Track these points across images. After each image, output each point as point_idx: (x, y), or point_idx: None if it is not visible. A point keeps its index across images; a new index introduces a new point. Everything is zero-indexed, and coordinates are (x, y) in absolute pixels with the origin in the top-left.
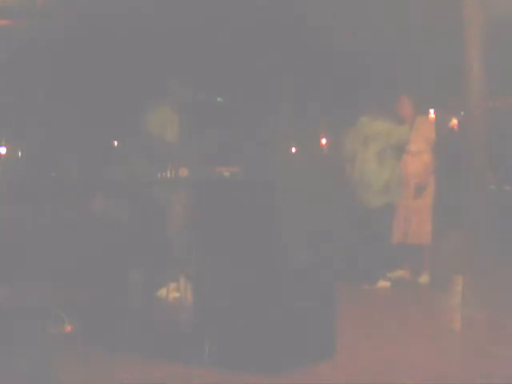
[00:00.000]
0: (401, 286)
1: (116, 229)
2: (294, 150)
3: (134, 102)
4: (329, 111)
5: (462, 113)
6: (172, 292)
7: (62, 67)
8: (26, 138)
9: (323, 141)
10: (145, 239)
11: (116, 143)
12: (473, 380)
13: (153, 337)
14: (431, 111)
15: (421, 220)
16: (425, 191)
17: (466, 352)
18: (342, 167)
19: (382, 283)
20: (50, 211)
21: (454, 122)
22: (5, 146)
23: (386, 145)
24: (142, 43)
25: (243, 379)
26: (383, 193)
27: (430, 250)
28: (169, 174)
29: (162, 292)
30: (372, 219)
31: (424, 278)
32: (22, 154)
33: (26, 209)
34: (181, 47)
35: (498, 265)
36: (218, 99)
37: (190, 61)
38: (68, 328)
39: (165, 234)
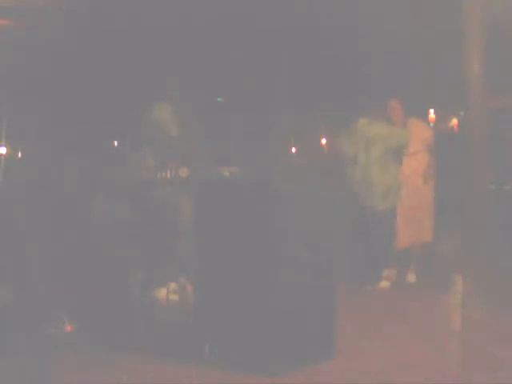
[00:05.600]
0: (401, 287)
1: (116, 229)
2: (293, 149)
3: (134, 101)
4: (329, 111)
5: (462, 113)
6: (172, 292)
7: (63, 67)
8: (26, 138)
9: (323, 141)
10: (145, 239)
11: (116, 143)
12: (473, 380)
13: (153, 337)
14: (431, 111)
15: (417, 219)
16: (420, 191)
17: (466, 352)
18: (343, 167)
19: (384, 283)
20: (49, 211)
21: (454, 121)
22: (5, 146)
23: (387, 148)
24: (143, 43)
25: (243, 379)
26: (386, 197)
27: (424, 250)
28: (169, 174)
29: (162, 292)
30: (373, 220)
31: (411, 278)
32: (22, 154)
33: (26, 209)
34: (181, 47)
35: (497, 265)
36: (218, 99)
37: (190, 60)
38: (68, 328)
39: (165, 234)
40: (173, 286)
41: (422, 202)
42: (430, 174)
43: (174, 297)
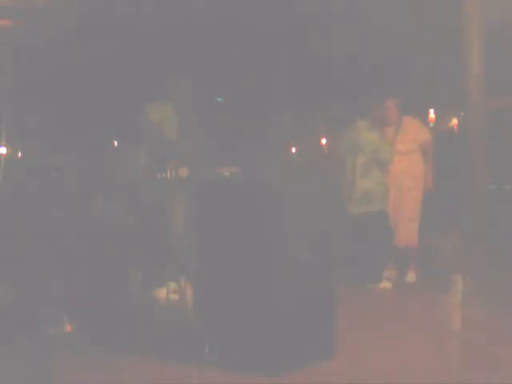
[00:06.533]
0: (401, 287)
1: (116, 229)
2: (294, 149)
3: (134, 101)
4: (329, 111)
5: (462, 113)
6: (172, 292)
7: (62, 67)
8: (26, 138)
9: (323, 141)
10: (145, 239)
11: (116, 143)
12: (473, 380)
13: (153, 337)
14: (431, 111)
15: (409, 220)
16: (413, 191)
17: (466, 352)
18: (341, 168)
19: (384, 284)
20: (49, 211)
21: (454, 121)
22: (5, 146)
23: (373, 157)
24: (142, 42)
25: (243, 379)
26: (362, 202)
27: (418, 250)
28: (169, 174)
29: (162, 292)
30: (365, 221)
31: (410, 277)
32: (22, 154)
33: (26, 209)
34: (181, 46)
35: (497, 265)
36: (218, 99)
37: (189, 60)
38: (68, 328)
39: (165, 233)
40: (173, 285)
41: (408, 204)
42: (420, 176)
43: (174, 297)
